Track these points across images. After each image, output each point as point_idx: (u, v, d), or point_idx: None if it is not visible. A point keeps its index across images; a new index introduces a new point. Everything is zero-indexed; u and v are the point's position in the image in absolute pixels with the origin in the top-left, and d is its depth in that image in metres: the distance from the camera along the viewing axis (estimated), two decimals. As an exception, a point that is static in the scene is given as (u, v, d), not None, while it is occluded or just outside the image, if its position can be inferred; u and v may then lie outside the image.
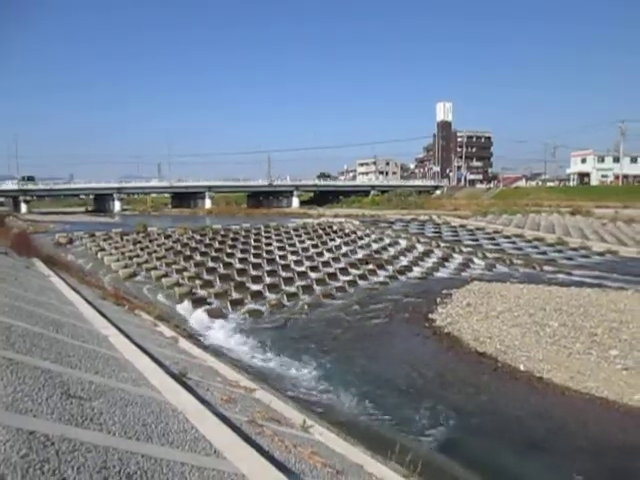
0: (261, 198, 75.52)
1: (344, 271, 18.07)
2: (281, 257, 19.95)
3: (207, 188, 65.87)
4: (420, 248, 23.63)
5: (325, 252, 21.52)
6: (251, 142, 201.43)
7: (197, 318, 11.88)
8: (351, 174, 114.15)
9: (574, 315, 11.23)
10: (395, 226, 32.94)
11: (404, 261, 20.72)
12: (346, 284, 16.26)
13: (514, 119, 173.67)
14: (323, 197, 75.12)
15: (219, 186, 67.35)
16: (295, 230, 26.98)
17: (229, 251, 20.77)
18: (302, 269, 18.05)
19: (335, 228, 28.61)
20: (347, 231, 27.81)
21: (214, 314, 12.11)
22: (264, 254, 20.51)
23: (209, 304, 13.07)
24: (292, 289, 15.30)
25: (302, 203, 70.55)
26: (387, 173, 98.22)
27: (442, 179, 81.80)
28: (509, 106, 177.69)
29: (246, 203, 76.90)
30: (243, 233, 25.45)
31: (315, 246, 22.87)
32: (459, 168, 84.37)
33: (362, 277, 17.33)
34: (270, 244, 22.91)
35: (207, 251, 20.45)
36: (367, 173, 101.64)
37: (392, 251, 22.73)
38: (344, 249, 22.57)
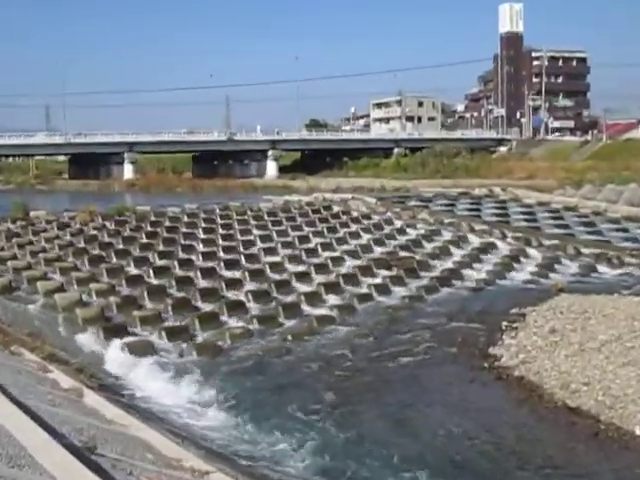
0: (216, 162, 75.77)
1: (351, 280, 18.21)
2: (248, 258, 20.17)
3: (127, 146, 65.95)
4: (474, 241, 23.86)
5: (320, 249, 21.69)
6: (200, 73, 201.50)
7: (113, 357, 11.92)
8: (361, 122, 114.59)
9: None
10: (434, 205, 33.33)
11: (448, 262, 20.93)
12: (355, 300, 16.38)
13: (623, 32, 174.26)
14: (316, 160, 75.50)
15: (146, 143, 67.36)
16: (271, 214, 27.27)
17: (163, 248, 21.01)
18: (282, 277, 18.24)
19: (336, 210, 28.84)
20: (356, 215, 28.04)
21: (140, 350, 12.14)
22: (220, 253, 20.72)
23: (132, 334, 13.12)
24: (266, 309, 15.46)
25: (283, 170, 71.06)
26: (420, 120, 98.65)
27: (509, 128, 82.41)
28: (614, 11, 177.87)
29: (191, 171, 77.14)
30: (186, 219, 25.69)
31: (303, 240, 23.09)
32: (536, 110, 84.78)
33: (381, 289, 17.48)
34: (230, 237, 23.20)
35: (128, 249, 20.59)
36: (387, 120, 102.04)
37: (429, 246, 22.95)
38: (351, 244, 22.77)
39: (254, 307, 15.57)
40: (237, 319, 14.64)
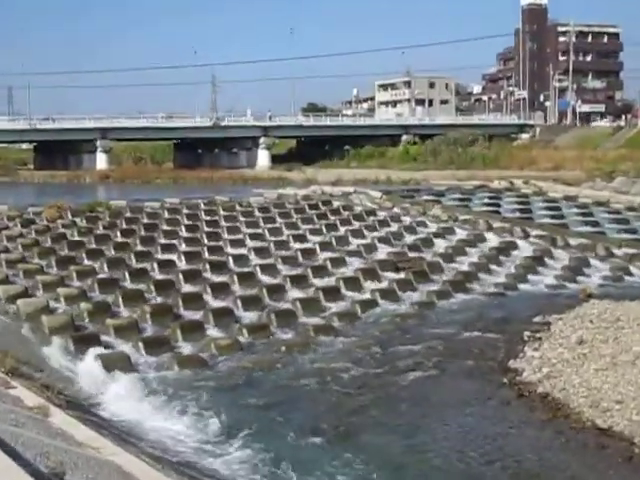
0: (200, 151, 75.77)
1: (354, 284, 18.25)
2: (237, 259, 20.21)
3: (100, 133, 66.03)
4: (493, 240, 23.94)
5: (318, 250, 21.75)
6: (182, 49, 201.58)
7: (84, 371, 11.91)
8: (365, 105, 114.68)
9: None
10: (447, 200, 33.41)
11: (463, 264, 20.99)
12: (358, 307, 16.43)
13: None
14: (314, 148, 75.57)
15: (122, 129, 67.46)
16: (262, 210, 27.35)
17: (141, 248, 21.04)
18: (275, 281, 18.26)
19: (337, 205, 28.94)
20: (359, 210, 28.12)
21: (115, 364, 12.13)
22: (205, 254, 20.78)
23: (106, 345, 13.11)
24: (256, 317, 15.48)
25: (276, 159, 71.15)
26: (431, 103, 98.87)
27: (532, 113, 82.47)
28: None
29: (172, 160, 77.22)
30: (166, 216, 25.76)
31: (299, 239, 23.17)
32: (562, 92, 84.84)
33: (387, 295, 17.52)
34: (216, 235, 23.25)
35: (101, 249, 20.59)
36: (395, 103, 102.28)
37: (441, 246, 23.00)
38: (354, 244, 22.83)
39: (243, 315, 15.56)
40: (224, 329, 14.63)
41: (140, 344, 13.28)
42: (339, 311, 16.13)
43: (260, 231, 23.90)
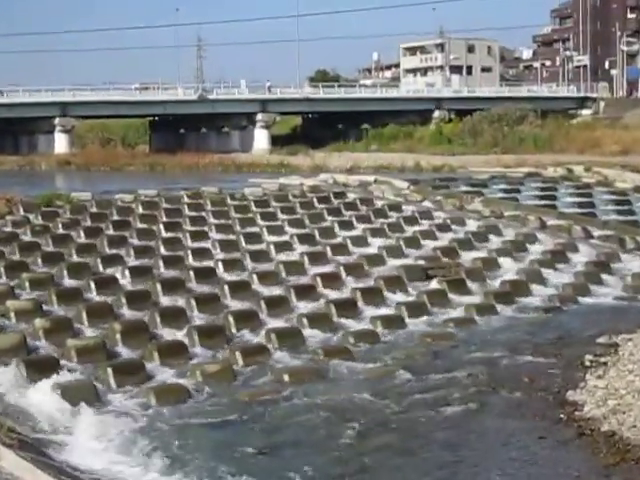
0: (182, 131, 76.12)
1: (374, 296, 18.26)
2: (228, 265, 20.27)
3: (60, 108, 66.35)
4: (547, 242, 24.01)
5: (329, 253, 21.83)
6: (161, 5, 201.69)
7: (40, 404, 11.91)
8: (388, 74, 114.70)
9: None
10: (490, 191, 33.46)
11: (509, 271, 21.01)
12: (379, 325, 16.44)
13: None
14: (324, 127, 75.79)
15: (86, 103, 67.76)
16: (260, 204, 27.48)
17: (109, 252, 21.13)
18: (276, 292, 18.31)
19: (353, 198, 29.05)
20: (380, 205, 28.22)
21: (78, 395, 12.12)
22: (189, 259, 20.86)
23: (66, 372, 13.10)
24: (254, 337, 15.51)
25: (277, 141, 71.37)
26: (470, 71, 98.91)
27: (595, 83, 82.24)
28: None
29: (149, 142, 77.44)
30: (141, 211, 25.94)
31: (306, 240, 23.23)
32: (632, 58, 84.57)
33: (415, 309, 17.53)
34: (202, 236, 23.35)
35: (60, 252, 20.69)
36: (424, 71, 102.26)
37: (482, 249, 23.08)
38: (373, 246, 22.92)
39: (237, 335, 15.61)
40: (213, 351, 14.66)
41: (109, 371, 13.23)
42: (356, 330, 16.12)
43: (257, 230, 24.01)
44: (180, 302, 17.17)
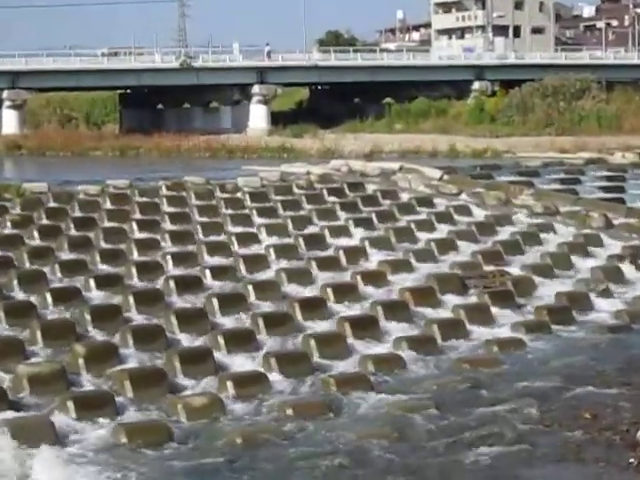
0: (161, 107, 75.94)
1: (398, 312, 18.24)
2: (217, 273, 20.26)
3: (8, 79, 66.69)
4: (613, 245, 24.01)
5: (343, 259, 21.84)
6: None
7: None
8: (416, 36, 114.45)
9: None
10: (543, 182, 33.44)
11: (568, 282, 21.06)
12: (404, 347, 16.40)
13: None
14: (337, 102, 75.72)
15: (42, 73, 67.81)
16: (257, 197, 27.54)
17: (71, 257, 21.19)
18: (277, 307, 18.38)
19: (373, 190, 29.08)
20: (407, 198, 28.28)
21: (32, 436, 12.11)
22: (168, 265, 20.86)
23: (17, 406, 13.14)
24: (248, 363, 15.51)
25: (278, 119, 71.25)
26: (517, 32, 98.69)
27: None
28: None
29: (119, 121, 77.33)
30: (109, 206, 25.97)
31: (314, 242, 23.32)
32: None
33: (450, 328, 17.51)
34: (185, 237, 23.33)
35: (9, 257, 20.65)
36: (461, 32, 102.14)
37: (534, 254, 23.13)
38: (398, 250, 22.99)
39: (228, 360, 15.56)
40: (198, 380, 14.61)
41: (70, 404, 13.20)
42: (376, 354, 16.09)
43: (253, 230, 24.04)
44: (158, 319, 17.17)
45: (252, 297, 18.77)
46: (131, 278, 19.77)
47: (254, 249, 22.39)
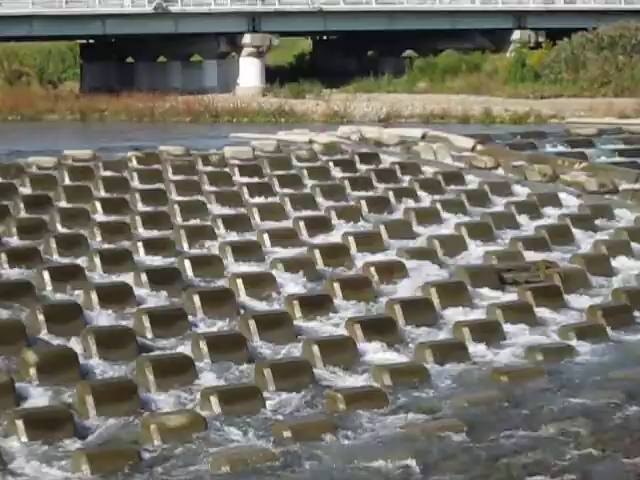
0: (130, 61, 75.69)
1: (421, 311, 18.25)
2: (199, 263, 20.27)
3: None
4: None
5: (352, 246, 21.82)
6: None
7: None
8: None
9: None
10: (597, 153, 33.54)
11: (627, 276, 21.11)
12: (428, 355, 16.37)
13: None
14: (345, 55, 75.52)
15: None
16: (246, 170, 27.66)
17: (20, 243, 21.22)
18: (273, 306, 18.45)
19: (390, 163, 29.22)
20: (431, 173, 28.42)
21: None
22: (140, 254, 20.87)
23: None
24: (235, 375, 15.53)
25: (274, 76, 70.86)
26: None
27: None
28: None
29: (80, 78, 77.18)
30: (67, 181, 26.14)
31: (316, 225, 23.36)
32: None
33: (483, 332, 17.52)
34: (160, 218, 23.39)
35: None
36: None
37: (587, 241, 23.23)
38: (421, 235, 23.04)
39: (211, 369, 15.58)
40: (175, 394, 14.63)
41: (19, 423, 13.20)
42: (393, 363, 16.07)
43: (243, 211, 24.12)
44: (127, 322, 17.16)
45: (243, 295, 18.80)
46: (94, 270, 19.76)
47: (244, 237, 22.36)
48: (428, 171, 28.13)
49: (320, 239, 22.21)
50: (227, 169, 27.48)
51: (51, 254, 20.54)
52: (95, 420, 13.78)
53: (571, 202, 25.69)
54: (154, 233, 22.24)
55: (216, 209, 24.06)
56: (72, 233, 21.80)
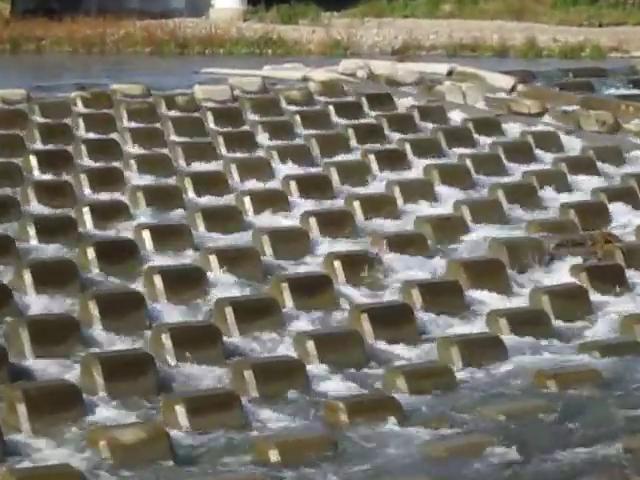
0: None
1: (445, 294, 18.35)
2: (158, 236, 20.09)
3: None
4: None
5: (358, 210, 21.97)
6: None
7: None
8: None
9: None
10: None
11: None
12: (455, 355, 16.41)
13: None
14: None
15: None
16: (222, 115, 27.78)
17: None
18: (264, 288, 18.53)
19: (405, 108, 29.37)
20: (459, 120, 28.55)
21: None
22: (88, 225, 20.83)
23: None
24: (212, 377, 15.62)
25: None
26: None
27: None
28: None
29: (11, 1, 77.41)
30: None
31: (312, 186, 23.36)
32: None
33: (526, 323, 17.51)
34: (112, 177, 23.37)
35: None
36: None
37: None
38: (446, 199, 23.23)
39: (184, 372, 15.64)
40: (132, 403, 14.64)
41: None
42: (410, 363, 16.17)
43: (218, 169, 24.16)
44: (72, 310, 17.17)
45: (221, 272, 18.87)
46: (28, 240, 19.82)
47: (222, 198, 22.36)
48: (456, 118, 28.16)
49: (317, 205, 22.19)
50: (198, 114, 27.47)
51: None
52: (33, 438, 13.86)
53: (636, 159, 25.70)
54: (104, 196, 22.22)
55: (184, 166, 24.02)
56: (2, 195, 21.71)
